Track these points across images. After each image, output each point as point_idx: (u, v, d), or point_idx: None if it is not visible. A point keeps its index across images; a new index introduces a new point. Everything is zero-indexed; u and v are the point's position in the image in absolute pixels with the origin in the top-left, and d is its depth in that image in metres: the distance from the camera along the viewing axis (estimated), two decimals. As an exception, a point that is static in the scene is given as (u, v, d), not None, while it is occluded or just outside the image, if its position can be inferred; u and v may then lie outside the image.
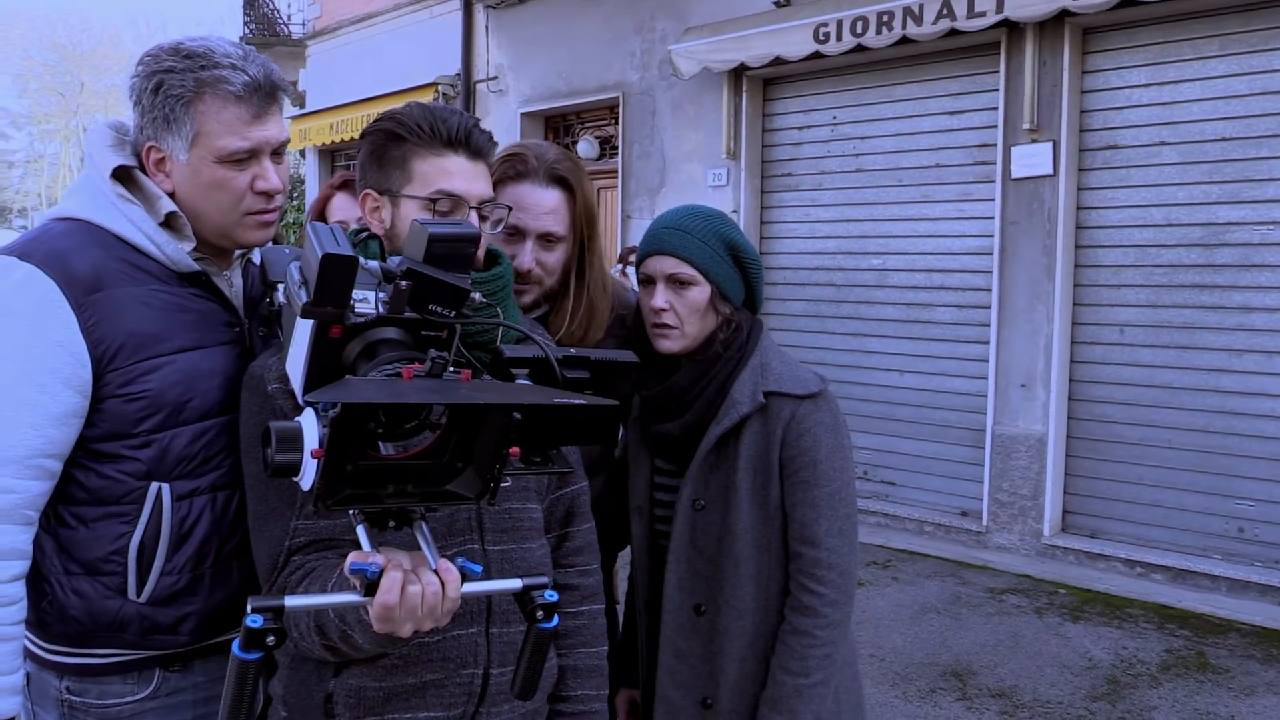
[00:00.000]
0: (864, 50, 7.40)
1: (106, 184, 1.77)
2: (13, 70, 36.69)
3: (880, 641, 5.44)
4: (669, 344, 2.14)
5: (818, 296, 8.35)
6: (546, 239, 2.15)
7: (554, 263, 2.18)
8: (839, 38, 7.32)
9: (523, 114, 10.70)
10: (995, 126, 7.06)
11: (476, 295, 1.49)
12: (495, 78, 10.99)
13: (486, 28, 11.05)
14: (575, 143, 10.48)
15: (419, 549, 1.35)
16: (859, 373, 8.06)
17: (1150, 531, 6.56)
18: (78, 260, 1.71)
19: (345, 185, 3.11)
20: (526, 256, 2.13)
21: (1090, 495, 6.85)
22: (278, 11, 15.41)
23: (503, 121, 10.93)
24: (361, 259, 1.41)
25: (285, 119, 1.89)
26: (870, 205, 7.95)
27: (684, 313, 2.11)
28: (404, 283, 1.39)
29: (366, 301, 1.41)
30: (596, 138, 10.35)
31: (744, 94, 8.50)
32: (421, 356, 1.35)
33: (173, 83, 1.72)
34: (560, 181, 2.15)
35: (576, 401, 1.27)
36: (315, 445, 1.22)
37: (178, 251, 1.78)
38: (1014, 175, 6.86)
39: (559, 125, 10.83)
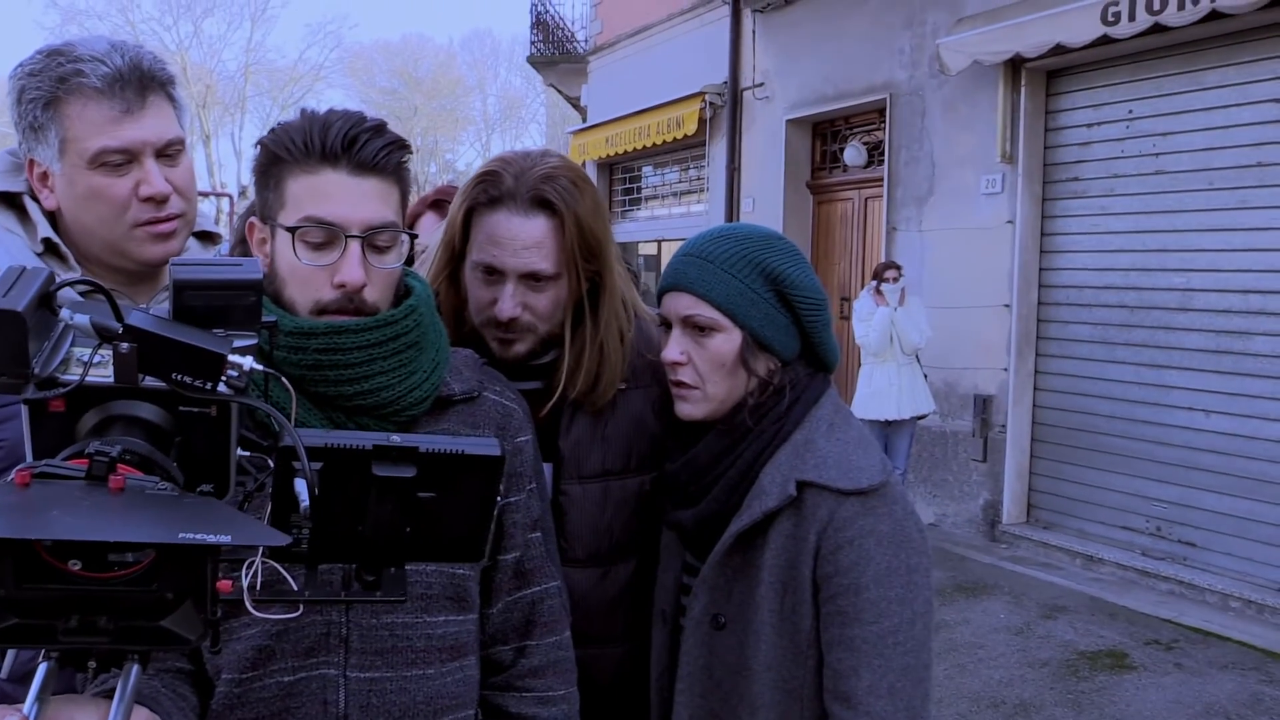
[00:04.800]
0: (1163, 31, 6.22)
1: None
2: (360, 99, 40.91)
3: (1142, 748, 4.45)
4: (688, 408, 1.62)
5: (1107, 320, 7.19)
6: (532, 278, 1.68)
7: (547, 305, 1.71)
8: (1131, 17, 6.21)
9: (788, 120, 10.17)
10: (1336, 115, 5.71)
11: (246, 362, 1.06)
12: (761, 84, 10.53)
13: (754, 33, 10.63)
14: (842, 149, 9.83)
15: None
16: (1155, 411, 6.85)
17: None
18: None
19: (436, 204, 2.81)
20: (507, 302, 1.68)
21: None
22: (563, 28, 15.84)
23: (769, 129, 10.47)
24: (67, 311, 1.05)
25: (175, 115, 1.60)
26: (1173, 214, 6.73)
27: (704, 368, 1.58)
28: (124, 345, 1.03)
29: (86, 365, 1.05)
30: (864, 143, 9.63)
31: (1023, 89, 7.50)
32: (91, 449, 0.97)
33: (31, 85, 1.51)
34: (544, 206, 1.67)
35: (202, 539, 0.83)
36: None
37: None
38: (1360, 175, 5.50)
39: (826, 131, 10.20)
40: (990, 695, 5.02)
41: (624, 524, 1.83)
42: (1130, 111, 7.00)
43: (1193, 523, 6.63)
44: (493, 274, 1.69)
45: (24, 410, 1.03)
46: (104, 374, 1.04)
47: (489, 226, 1.67)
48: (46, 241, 1.55)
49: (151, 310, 1.06)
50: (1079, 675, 5.26)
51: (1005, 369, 7.70)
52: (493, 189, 1.68)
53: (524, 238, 1.66)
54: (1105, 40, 6.52)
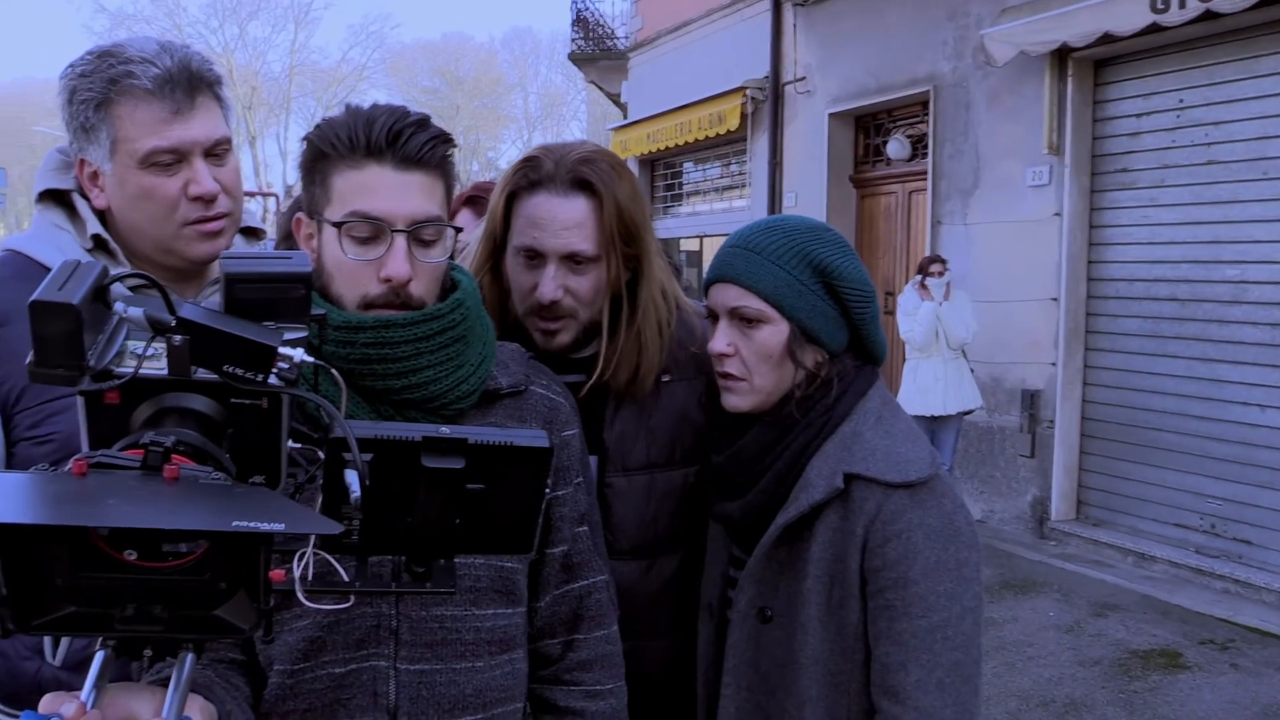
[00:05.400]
0: (1214, 18, 6.10)
1: (38, 211, 1.64)
2: (403, 98, 41.26)
3: (1197, 749, 4.36)
4: (735, 400, 1.61)
5: (1157, 313, 7.06)
6: (573, 260, 1.69)
7: (589, 289, 1.72)
8: (1181, 5, 6.08)
9: (830, 114, 10.10)
10: (1397, 101, 5.56)
11: (296, 354, 1.08)
12: (803, 78, 10.47)
13: (795, 26, 10.57)
14: (885, 143, 9.74)
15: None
16: (1208, 405, 6.72)
17: None
18: None
19: (471, 200, 2.81)
20: (549, 284, 1.68)
21: None
22: (603, 25, 15.87)
23: (810, 123, 10.41)
24: (121, 304, 1.06)
25: (223, 115, 1.63)
26: (1225, 204, 6.59)
27: (751, 360, 1.57)
28: (177, 337, 1.04)
29: (140, 358, 1.07)
30: (908, 136, 9.54)
31: (1069, 79, 7.38)
32: (145, 439, 0.98)
33: (83, 87, 1.54)
34: (584, 187, 1.68)
35: (255, 528, 0.84)
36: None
37: None
38: None
39: (869, 125, 10.12)
40: (1040, 694, 4.95)
41: (669, 517, 1.83)
42: (1181, 101, 6.86)
43: (1248, 520, 6.48)
44: (534, 258, 1.70)
45: (80, 402, 1.05)
46: (157, 366, 1.05)
47: (529, 209, 1.69)
48: (96, 238, 1.58)
49: (202, 304, 1.08)
50: (1131, 674, 5.17)
51: (1053, 364, 7.59)
52: (533, 173, 1.70)
53: (564, 218, 1.67)
54: (1154, 28, 6.39)
